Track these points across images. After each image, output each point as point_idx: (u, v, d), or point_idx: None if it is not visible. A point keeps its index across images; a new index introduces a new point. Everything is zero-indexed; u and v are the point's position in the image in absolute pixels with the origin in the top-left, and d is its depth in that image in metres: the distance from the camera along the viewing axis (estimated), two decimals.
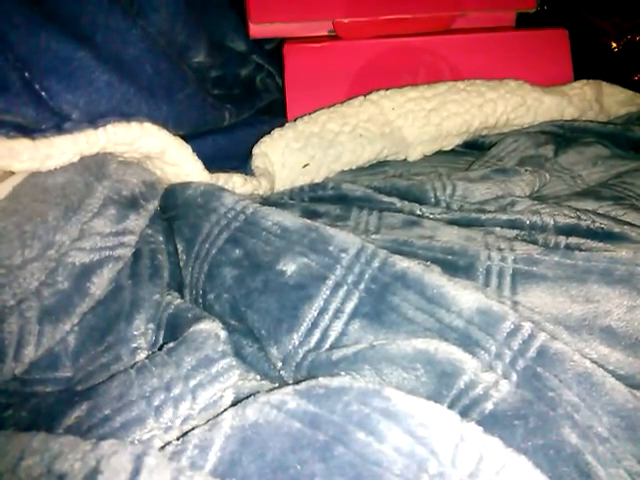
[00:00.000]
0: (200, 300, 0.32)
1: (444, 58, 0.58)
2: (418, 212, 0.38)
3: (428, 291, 0.27)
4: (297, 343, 0.27)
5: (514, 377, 0.24)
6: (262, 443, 0.20)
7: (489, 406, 0.22)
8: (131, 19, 0.39)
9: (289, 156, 0.47)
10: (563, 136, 0.51)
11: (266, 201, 0.41)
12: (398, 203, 0.39)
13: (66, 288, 0.28)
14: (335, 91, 0.55)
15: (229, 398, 0.25)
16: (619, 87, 0.58)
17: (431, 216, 0.38)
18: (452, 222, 0.37)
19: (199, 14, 0.51)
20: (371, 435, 0.20)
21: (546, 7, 0.70)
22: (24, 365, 0.27)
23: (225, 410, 0.22)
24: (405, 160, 0.52)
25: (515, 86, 0.52)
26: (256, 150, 0.45)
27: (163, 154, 0.34)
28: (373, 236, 0.34)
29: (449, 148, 0.53)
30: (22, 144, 0.28)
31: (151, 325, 0.28)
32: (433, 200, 0.40)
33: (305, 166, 0.47)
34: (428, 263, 0.30)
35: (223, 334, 0.27)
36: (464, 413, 0.22)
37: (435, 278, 0.27)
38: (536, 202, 0.38)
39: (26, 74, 0.31)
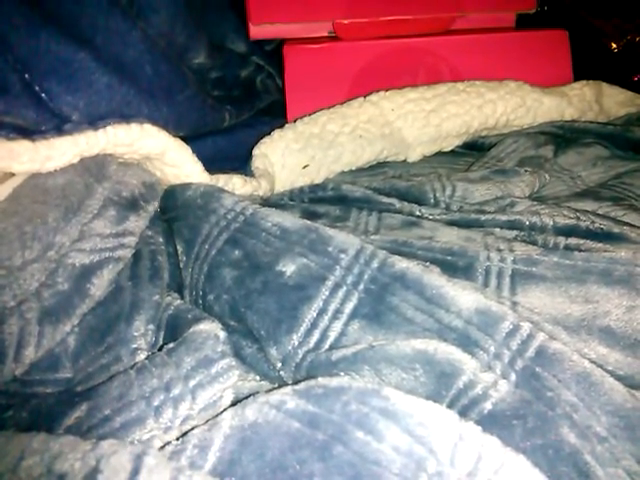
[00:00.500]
0: (200, 301, 0.32)
1: (444, 59, 0.58)
2: (417, 213, 0.38)
3: (427, 291, 0.27)
4: (296, 344, 0.27)
5: (513, 377, 0.24)
6: (261, 443, 0.20)
7: (488, 406, 0.22)
8: (131, 21, 0.39)
9: (289, 157, 0.47)
10: (563, 137, 0.51)
11: (266, 202, 0.42)
12: (398, 204, 0.39)
13: (66, 289, 0.28)
14: (335, 92, 0.55)
15: (228, 398, 0.25)
16: (619, 88, 0.58)
17: (430, 217, 0.38)
18: (451, 223, 0.37)
19: (199, 15, 0.51)
20: (370, 434, 0.20)
21: (546, 8, 0.70)
22: (24, 366, 0.27)
23: (224, 410, 0.22)
24: (405, 161, 0.52)
25: (515, 87, 0.52)
26: (256, 151, 0.46)
27: (163, 155, 0.34)
28: (372, 237, 0.34)
29: (449, 149, 0.53)
30: (22, 146, 0.28)
31: (151, 326, 0.28)
32: (432, 201, 0.40)
33: (305, 167, 0.47)
34: (427, 264, 0.30)
35: (223, 335, 0.27)
36: (463, 413, 0.22)
37: (434, 278, 0.27)
38: (535, 203, 0.38)
39: (26, 76, 0.31)
